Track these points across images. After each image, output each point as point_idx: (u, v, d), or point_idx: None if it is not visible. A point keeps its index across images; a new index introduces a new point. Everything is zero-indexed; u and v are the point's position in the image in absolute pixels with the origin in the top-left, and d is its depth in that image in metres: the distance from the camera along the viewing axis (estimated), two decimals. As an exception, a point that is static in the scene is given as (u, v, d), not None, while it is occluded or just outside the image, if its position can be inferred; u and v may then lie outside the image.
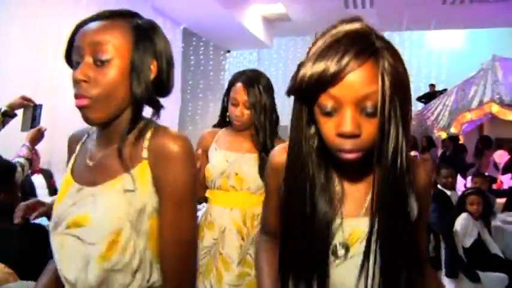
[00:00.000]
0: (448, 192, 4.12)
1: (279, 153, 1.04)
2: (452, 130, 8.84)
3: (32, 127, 2.27)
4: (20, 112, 2.29)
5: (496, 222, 3.91)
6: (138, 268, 0.92)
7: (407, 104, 0.85)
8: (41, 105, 2.29)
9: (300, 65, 0.85)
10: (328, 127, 0.84)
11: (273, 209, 1.08)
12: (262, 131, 1.83)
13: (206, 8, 6.47)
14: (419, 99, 10.16)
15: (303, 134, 0.91)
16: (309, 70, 0.81)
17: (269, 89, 1.88)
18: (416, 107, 9.83)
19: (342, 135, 0.82)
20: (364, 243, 0.89)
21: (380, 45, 0.82)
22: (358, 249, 0.91)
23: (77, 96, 0.93)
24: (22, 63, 4.22)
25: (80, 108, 0.93)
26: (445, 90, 9.75)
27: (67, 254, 0.92)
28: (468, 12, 7.29)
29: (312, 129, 0.91)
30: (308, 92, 0.83)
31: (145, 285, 0.95)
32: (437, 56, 10.54)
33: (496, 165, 6.53)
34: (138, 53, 0.95)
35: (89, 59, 0.93)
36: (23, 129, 2.28)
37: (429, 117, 9.33)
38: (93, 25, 0.94)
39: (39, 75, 4.41)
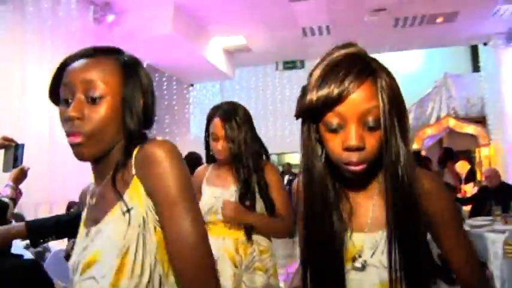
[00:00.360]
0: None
1: (296, 184, 1.09)
2: (415, 146, 9.14)
3: (14, 167, 2.25)
4: (1, 152, 2.27)
5: (464, 227, 4.06)
6: (148, 284, 0.90)
7: (404, 116, 0.95)
8: (22, 145, 2.28)
9: (304, 89, 0.94)
10: (335, 143, 0.92)
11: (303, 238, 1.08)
12: (241, 165, 1.85)
13: (168, 44, 6.59)
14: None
15: (314, 154, 0.98)
16: (315, 94, 0.90)
17: (247, 119, 1.90)
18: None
19: (348, 149, 0.90)
20: (377, 255, 0.96)
21: (376, 66, 0.93)
22: (370, 261, 0.97)
23: (69, 134, 0.94)
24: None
25: (73, 145, 0.94)
26: (403, 108, 10.12)
27: None
28: (418, 34, 7.70)
29: (320, 149, 0.98)
30: (316, 112, 0.92)
31: None
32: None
33: (458, 176, 6.80)
34: (129, 89, 0.98)
35: (81, 96, 0.94)
36: (4, 170, 2.26)
37: (391, 136, 9.63)
38: (82, 62, 0.97)
39: (4, 116, 4.34)
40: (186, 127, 9.29)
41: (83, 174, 1.88)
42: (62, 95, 0.97)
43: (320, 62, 0.96)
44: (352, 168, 0.92)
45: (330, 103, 0.89)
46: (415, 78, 9.91)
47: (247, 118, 1.92)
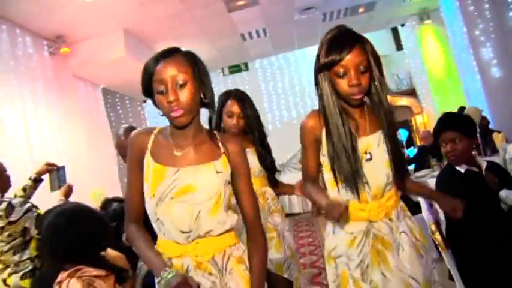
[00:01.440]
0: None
1: (310, 119, 1.66)
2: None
3: (59, 186, 2.77)
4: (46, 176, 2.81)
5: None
6: (225, 216, 1.46)
7: (380, 65, 1.58)
8: (63, 167, 2.82)
9: (318, 56, 1.58)
10: (343, 84, 1.54)
11: (310, 158, 1.68)
12: (252, 133, 2.46)
13: (121, 66, 6.96)
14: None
15: (328, 97, 1.58)
16: (326, 58, 1.54)
17: (253, 103, 2.49)
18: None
19: (352, 86, 1.53)
20: (376, 150, 1.60)
21: (360, 37, 1.57)
22: (375, 152, 1.60)
23: (172, 111, 1.38)
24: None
25: (176, 117, 1.39)
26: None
27: (177, 215, 1.42)
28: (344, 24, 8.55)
29: (331, 91, 1.59)
30: (328, 67, 1.55)
31: (229, 224, 1.48)
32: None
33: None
34: (199, 74, 1.44)
35: (172, 85, 1.37)
36: (52, 190, 2.77)
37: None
38: (165, 63, 1.39)
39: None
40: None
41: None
42: (156, 89, 1.40)
43: (325, 37, 1.60)
44: (355, 97, 1.54)
45: (337, 61, 1.51)
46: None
47: (250, 99, 2.50)
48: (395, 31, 10.54)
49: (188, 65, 1.42)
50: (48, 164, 2.86)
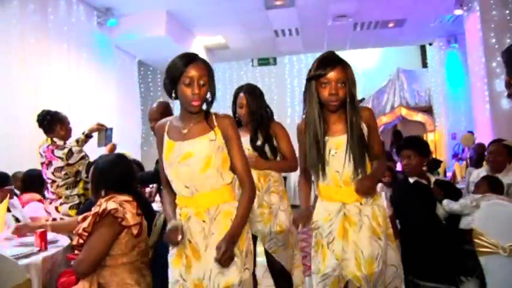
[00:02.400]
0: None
1: (302, 122, 2.17)
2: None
3: (106, 144, 3.39)
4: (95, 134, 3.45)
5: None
6: (217, 175, 1.90)
7: (355, 86, 2.06)
8: (111, 128, 3.44)
9: (310, 70, 2.07)
10: (325, 92, 2.03)
11: (302, 153, 2.21)
12: (255, 122, 2.83)
13: (159, 44, 7.53)
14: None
15: (313, 101, 2.07)
16: (315, 72, 2.03)
17: (260, 93, 2.89)
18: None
19: (331, 94, 2.02)
20: (342, 148, 2.07)
21: (342, 60, 2.06)
22: (339, 151, 2.08)
23: (193, 100, 1.85)
24: (24, 99, 5.13)
25: (195, 106, 1.86)
26: (363, 99, 11.42)
27: (181, 174, 1.89)
28: (373, 36, 8.98)
29: (315, 98, 2.08)
30: (317, 77, 2.04)
31: (221, 183, 1.91)
32: (354, 71, 12.20)
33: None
34: (212, 78, 1.93)
35: (198, 83, 1.85)
36: (99, 146, 3.40)
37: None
38: (194, 65, 1.86)
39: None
40: (171, 114, 10.27)
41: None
42: (184, 82, 1.85)
43: (317, 58, 2.09)
44: (333, 103, 2.04)
45: (322, 75, 2.01)
46: (372, 73, 11.21)
47: (260, 93, 2.92)
48: (423, 48, 10.88)
49: (207, 70, 1.92)
50: (99, 124, 3.53)
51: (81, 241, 2.09)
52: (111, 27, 7.05)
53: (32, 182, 3.82)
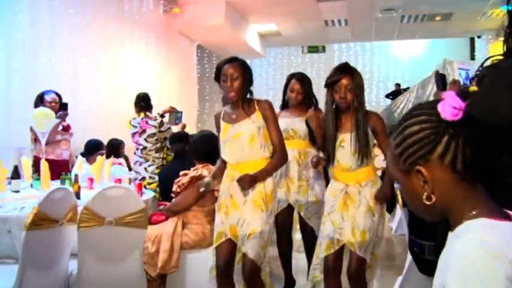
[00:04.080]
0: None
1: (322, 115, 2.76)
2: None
3: (176, 123, 4.27)
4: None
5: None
6: (260, 149, 2.57)
7: (362, 89, 2.57)
8: (181, 112, 4.29)
9: (327, 77, 2.60)
10: (337, 96, 2.44)
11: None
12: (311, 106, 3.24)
13: (218, 30, 8.26)
14: (387, 96, 12.04)
15: (329, 102, 2.59)
16: (330, 79, 2.56)
17: (310, 81, 3.25)
18: (386, 102, 11.78)
19: (340, 98, 2.53)
20: (347, 143, 2.62)
21: (352, 69, 2.61)
22: (345, 145, 2.62)
23: (229, 92, 2.33)
24: (103, 78, 6.04)
25: (230, 97, 2.35)
26: (408, 88, 11.69)
27: (232, 149, 2.43)
28: (420, 28, 9.30)
29: (331, 101, 2.60)
30: (331, 84, 2.57)
31: (261, 155, 2.41)
32: (401, 61, 12.55)
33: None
34: (246, 74, 2.40)
35: (231, 78, 2.33)
36: (170, 125, 4.32)
37: (396, 111, 11.28)
38: (228, 66, 2.36)
39: (113, 88, 6.23)
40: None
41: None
42: (223, 79, 2.36)
43: (333, 68, 2.54)
44: (342, 105, 2.46)
45: (335, 81, 2.44)
46: (418, 62, 11.47)
47: (310, 81, 3.25)
48: (472, 41, 11.02)
49: (239, 67, 2.40)
50: (171, 107, 4.37)
51: (178, 190, 2.84)
52: (175, 14, 7.84)
53: (115, 149, 4.68)
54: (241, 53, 10.55)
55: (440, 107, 0.84)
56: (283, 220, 3.20)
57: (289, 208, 3.19)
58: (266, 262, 2.49)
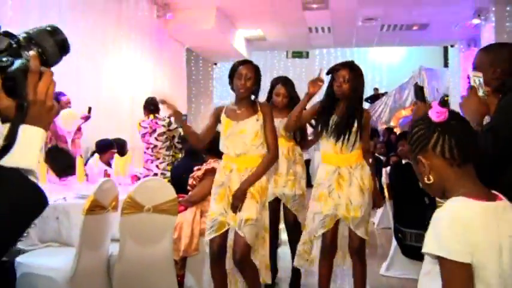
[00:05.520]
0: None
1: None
2: (392, 124, 11.38)
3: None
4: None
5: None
6: (260, 146, 2.91)
7: (360, 83, 2.95)
8: (186, 115, 4.62)
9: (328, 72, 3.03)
10: (335, 85, 2.86)
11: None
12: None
13: (207, 35, 8.61)
14: (366, 99, 12.58)
15: (329, 88, 2.95)
16: (331, 69, 2.96)
17: (293, 85, 3.54)
18: (364, 105, 12.32)
19: (337, 86, 2.89)
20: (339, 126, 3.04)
21: (355, 66, 3.00)
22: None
23: (241, 89, 2.65)
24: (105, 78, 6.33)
25: (242, 92, 2.66)
26: (385, 93, 12.31)
27: (235, 144, 2.79)
28: (399, 36, 9.87)
29: (330, 88, 2.98)
30: (331, 72, 2.96)
31: (260, 152, 2.68)
32: (379, 67, 13.19)
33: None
34: (258, 78, 2.74)
35: (244, 77, 2.64)
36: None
37: (374, 114, 11.86)
38: (243, 67, 2.67)
39: (114, 87, 6.52)
40: (209, 98, 11.42)
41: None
42: (237, 76, 2.66)
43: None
44: (338, 93, 2.83)
45: (335, 71, 2.83)
46: (395, 68, 12.09)
47: (293, 85, 3.53)
48: (445, 49, 11.68)
49: (253, 70, 2.72)
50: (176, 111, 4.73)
51: (194, 183, 3.20)
52: (168, 19, 8.16)
53: (120, 147, 5.00)
54: (227, 55, 11.07)
55: (430, 113, 1.22)
56: (270, 212, 3.38)
57: (277, 202, 3.45)
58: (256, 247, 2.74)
